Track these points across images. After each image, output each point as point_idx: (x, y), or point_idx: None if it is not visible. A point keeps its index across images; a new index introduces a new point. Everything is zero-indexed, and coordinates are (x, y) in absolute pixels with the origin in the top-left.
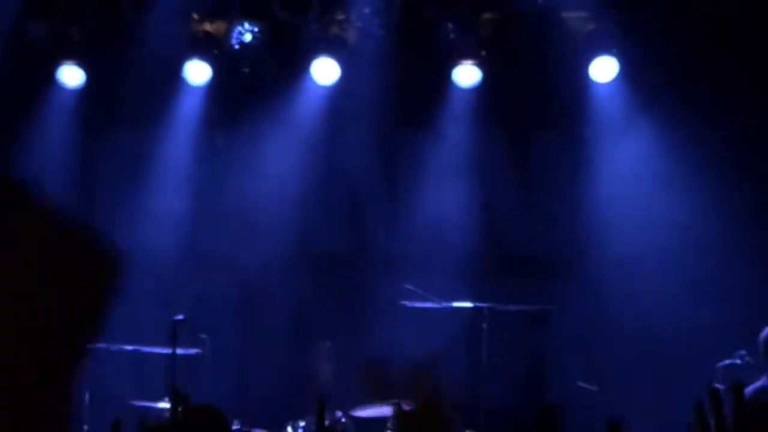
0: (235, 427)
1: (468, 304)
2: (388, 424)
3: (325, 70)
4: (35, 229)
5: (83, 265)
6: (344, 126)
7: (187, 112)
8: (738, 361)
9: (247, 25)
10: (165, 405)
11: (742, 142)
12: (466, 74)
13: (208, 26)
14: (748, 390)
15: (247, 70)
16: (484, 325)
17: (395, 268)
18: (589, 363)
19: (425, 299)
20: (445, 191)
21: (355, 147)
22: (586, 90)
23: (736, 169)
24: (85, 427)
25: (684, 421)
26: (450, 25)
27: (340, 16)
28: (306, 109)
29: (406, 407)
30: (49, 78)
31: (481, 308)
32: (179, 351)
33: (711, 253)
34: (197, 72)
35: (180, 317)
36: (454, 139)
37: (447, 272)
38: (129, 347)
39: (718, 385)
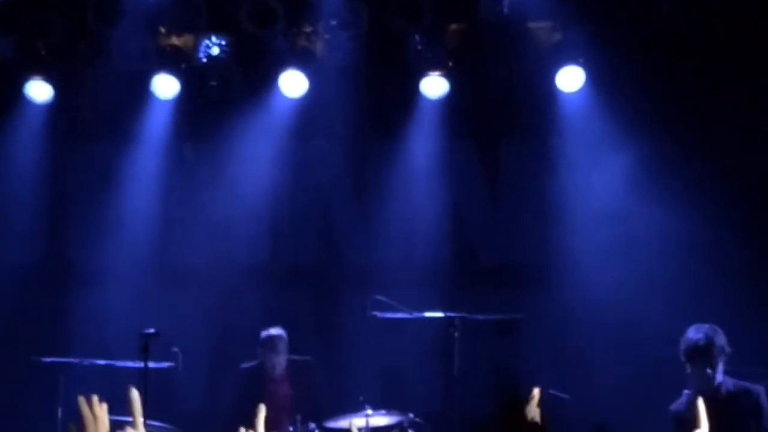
0: None
1: (439, 314)
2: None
3: (293, 83)
4: None
5: None
6: (313, 138)
7: (156, 126)
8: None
9: (214, 39)
10: None
11: (709, 148)
12: (434, 85)
13: (175, 40)
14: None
15: (215, 83)
16: (456, 335)
17: (366, 279)
18: (560, 371)
19: (396, 310)
20: (415, 202)
21: (324, 159)
22: (554, 99)
23: (703, 174)
24: None
25: (657, 427)
26: (417, 37)
27: (308, 29)
28: (274, 121)
29: None
30: (17, 93)
31: (453, 318)
32: (151, 364)
33: (681, 260)
34: (165, 86)
35: (151, 331)
36: (423, 150)
37: (418, 282)
38: (101, 361)
39: (687, 391)
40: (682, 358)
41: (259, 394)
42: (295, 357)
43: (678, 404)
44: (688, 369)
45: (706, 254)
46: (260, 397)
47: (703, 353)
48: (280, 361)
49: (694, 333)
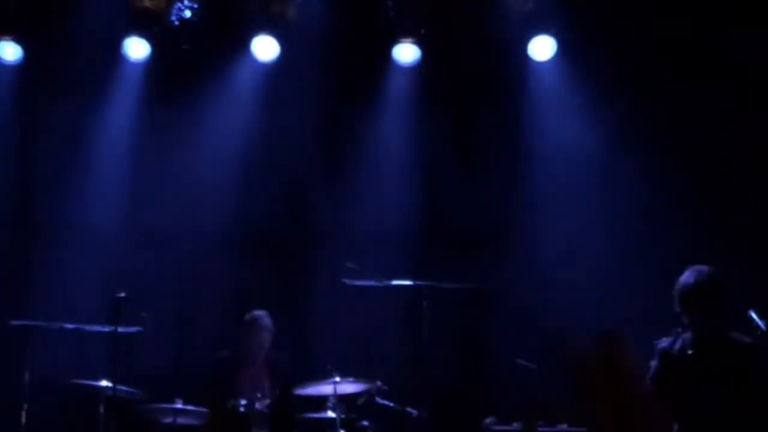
0: (176, 405)
1: (408, 282)
2: (328, 402)
3: (264, 48)
4: None
5: None
6: (284, 103)
7: (127, 89)
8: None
9: (186, 2)
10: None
11: (680, 119)
12: (406, 52)
13: (147, 2)
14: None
15: (186, 46)
16: (424, 303)
17: (335, 247)
18: (528, 340)
19: (366, 277)
20: (386, 169)
21: (295, 124)
22: (526, 68)
23: (674, 145)
24: (25, 406)
25: None
26: (389, 3)
27: None
28: (245, 86)
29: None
30: None
31: (421, 286)
32: (120, 329)
33: (651, 228)
34: (137, 48)
35: (121, 295)
36: (394, 117)
37: (387, 250)
38: (69, 326)
39: (680, 330)
40: (678, 304)
41: (236, 382)
42: (275, 352)
43: (668, 342)
44: (687, 316)
45: (679, 223)
46: (236, 386)
47: (707, 297)
48: (262, 342)
49: (696, 274)
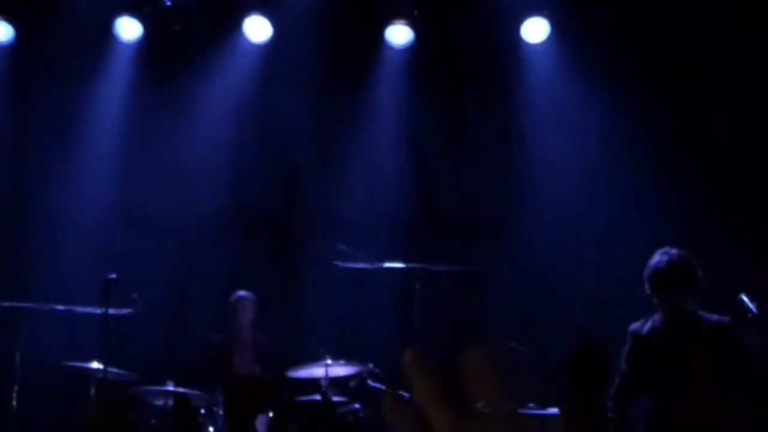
0: (168, 387)
1: (400, 265)
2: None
3: (257, 28)
4: None
5: None
6: (276, 85)
7: (118, 69)
8: None
9: None
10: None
11: (676, 100)
12: (399, 34)
13: None
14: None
15: (178, 27)
16: (417, 286)
17: (328, 229)
18: (522, 323)
19: (358, 259)
20: (378, 151)
21: (288, 106)
22: (519, 50)
23: (668, 129)
24: (15, 388)
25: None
26: None
27: None
28: (238, 67)
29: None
30: None
31: (414, 269)
32: (111, 311)
33: (646, 212)
34: (129, 29)
35: (112, 276)
36: (387, 98)
37: (380, 233)
38: (60, 307)
39: (657, 316)
40: (649, 286)
41: (225, 366)
42: (264, 336)
43: (640, 324)
44: (657, 298)
45: (673, 207)
46: (226, 370)
47: (677, 277)
48: (247, 323)
49: (666, 256)
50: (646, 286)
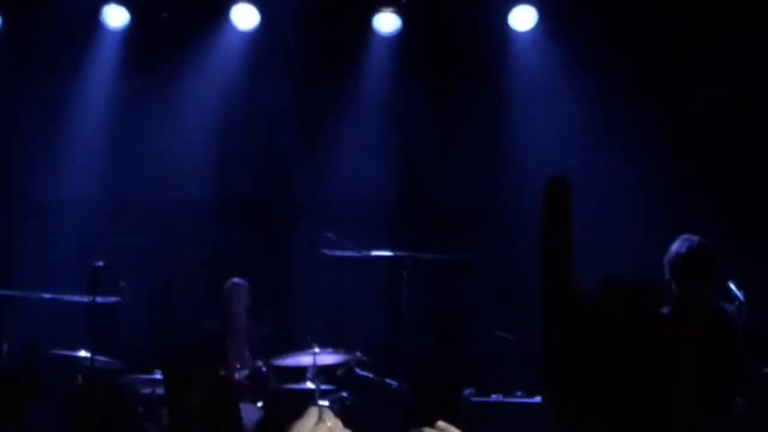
0: (155, 376)
1: (388, 253)
2: (308, 373)
3: (244, 16)
4: None
5: None
6: (264, 72)
7: (105, 57)
8: None
9: None
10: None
11: (665, 89)
12: (387, 21)
13: None
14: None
15: (165, 14)
16: (404, 274)
17: (315, 217)
18: (508, 312)
19: (345, 248)
20: (365, 139)
21: (274, 94)
22: (506, 38)
23: (657, 117)
24: None
25: None
26: None
27: None
28: (225, 54)
29: None
30: None
31: (401, 257)
32: (98, 299)
33: (630, 202)
34: (115, 16)
35: (99, 264)
36: (374, 86)
37: (367, 221)
38: (47, 295)
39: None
40: (670, 273)
41: (222, 352)
42: (254, 323)
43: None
44: (678, 285)
45: (659, 198)
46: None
47: (700, 264)
48: (241, 310)
49: (688, 244)
50: (667, 272)
